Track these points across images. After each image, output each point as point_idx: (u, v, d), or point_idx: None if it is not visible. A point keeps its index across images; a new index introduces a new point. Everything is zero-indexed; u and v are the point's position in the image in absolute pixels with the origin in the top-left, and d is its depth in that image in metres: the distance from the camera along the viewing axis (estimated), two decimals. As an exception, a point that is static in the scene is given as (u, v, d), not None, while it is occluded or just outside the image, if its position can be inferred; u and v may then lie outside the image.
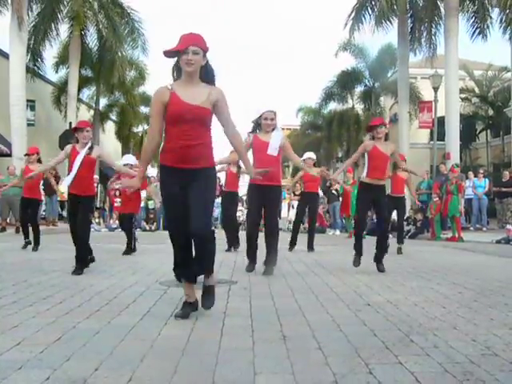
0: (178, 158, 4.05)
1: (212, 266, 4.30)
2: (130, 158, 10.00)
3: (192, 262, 4.24)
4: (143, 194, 14.91)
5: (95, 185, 7.33)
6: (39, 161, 10.30)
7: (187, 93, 4.04)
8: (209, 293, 4.30)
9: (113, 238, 14.06)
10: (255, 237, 7.08)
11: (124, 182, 6.07)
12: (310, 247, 10.63)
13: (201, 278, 4.31)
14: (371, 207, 7.66)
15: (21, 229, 10.75)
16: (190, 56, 3.93)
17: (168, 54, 4.07)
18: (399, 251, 10.17)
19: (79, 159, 6.94)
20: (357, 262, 7.30)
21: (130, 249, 9.69)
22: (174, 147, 4.05)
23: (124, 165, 9.18)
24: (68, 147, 7.21)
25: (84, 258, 6.99)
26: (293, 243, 10.66)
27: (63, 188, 20.80)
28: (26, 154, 10.76)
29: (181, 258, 4.25)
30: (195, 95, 4.04)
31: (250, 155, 6.82)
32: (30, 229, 10.47)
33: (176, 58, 4.09)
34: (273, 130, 6.92)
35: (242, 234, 9.11)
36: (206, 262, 4.23)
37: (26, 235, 10.50)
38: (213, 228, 4.51)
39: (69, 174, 7.09)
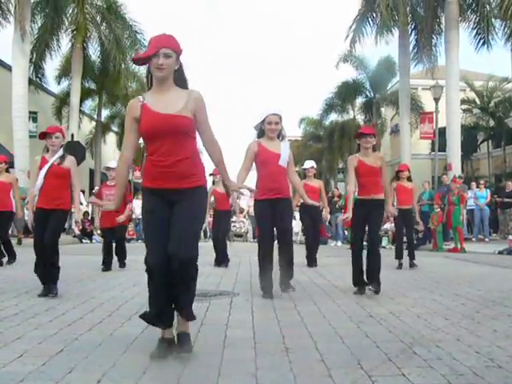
0: (160, 179, 3.49)
1: (191, 305, 3.60)
2: (114, 163, 9.29)
3: (171, 305, 3.53)
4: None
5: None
6: (7, 170, 9.99)
7: (161, 102, 3.50)
8: (184, 341, 3.50)
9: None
10: (271, 258, 6.17)
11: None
12: (313, 261, 10.04)
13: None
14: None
15: None
16: (160, 60, 3.41)
17: (140, 60, 3.65)
18: (412, 266, 9.55)
19: (45, 168, 6.07)
20: (360, 291, 6.39)
21: (123, 262, 9.50)
22: (154, 166, 3.51)
23: (112, 168, 9.16)
24: (37, 158, 6.34)
25: (54, 276, 5.99)
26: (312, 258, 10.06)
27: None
28: None
29: (159, 298, 3.50)
30: (170, 103, 3.49)
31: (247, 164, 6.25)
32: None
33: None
34: (279, 138, 6.22)
35: (245, 246, 9.13)
36: (187, 297, 3.53)
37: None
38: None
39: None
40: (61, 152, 6.20)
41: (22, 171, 18.43)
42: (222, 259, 10.10)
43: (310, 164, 10.35)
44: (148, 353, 3.38)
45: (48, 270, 5.96)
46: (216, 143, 3.76)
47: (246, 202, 18.82)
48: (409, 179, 9.97)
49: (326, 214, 10.04)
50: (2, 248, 10.03)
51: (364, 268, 6.40)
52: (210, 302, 5.47)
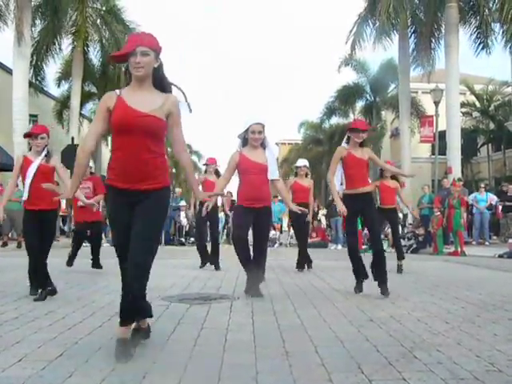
0: (124, 177, 3.50)
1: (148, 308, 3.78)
2: None
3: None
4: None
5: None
6: None
7: (136, 99, 3.49)
8: (141, 330, 3.76)
9: (113, 253, 14.01)
10: (248, 256, 6.32)
11: (53, 187, 4.91)
12: (301, 265, 9.71)
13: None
14: (359, 221, 6.74)
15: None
16: (138, 58, 3.39)
17: (116, 58, 3.69)
18: (399, 269, 9.39)
19: (33, 168, 6.00)
20: (358, 288, 6.57)
21: (98, 263, 9.14)
22: (120, 162, 3.53)
23: None
24: (19, 157, 6.32)
25: (44, 282, 5.98)
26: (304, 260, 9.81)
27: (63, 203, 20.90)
28: None
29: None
30: (146, 102, 3.48)
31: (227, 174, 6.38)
32: None
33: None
34: (263, 146, 6.22)
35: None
36: (139, 298, 3.58)
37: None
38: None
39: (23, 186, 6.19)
40: (45, 152, 6.16)
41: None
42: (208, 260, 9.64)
43: (302, 162, 10.26)
44: (149, 357, 3.38)
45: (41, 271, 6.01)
46: (186, 152, 3.85)
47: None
48: (393, 178, 9.65)
49: (309, 217, 9.87)
50: None
51: (366, 267, 6.52)
52: (210, 306, 5.46)
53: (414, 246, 16.57)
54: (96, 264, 9.14)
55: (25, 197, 6.05)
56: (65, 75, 28.04)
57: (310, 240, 17.03)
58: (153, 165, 3.51)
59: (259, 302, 5.77)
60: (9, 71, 23.81)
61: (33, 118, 25.02)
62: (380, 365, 3.26)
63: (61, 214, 21.09)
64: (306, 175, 10.17)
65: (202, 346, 3.74)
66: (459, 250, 14.62)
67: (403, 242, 16.43)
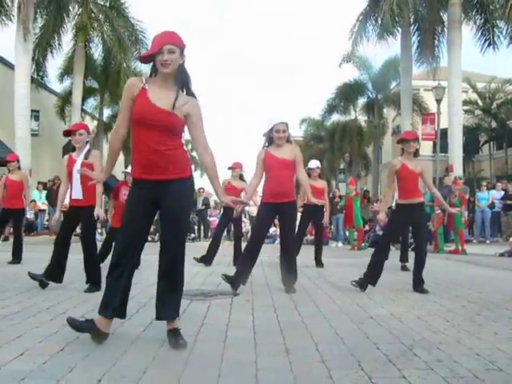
0: (145, 167, 3.65)
1: (179, 306, 3.82)
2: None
3: (120, 295, 3.70)
4: None
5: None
6: (19, 168, 10.12)
7: (159, 95, 3.63)
8: (177, 336, 3.69)
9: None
10: (257, 252, 6.52)
11: (88, 171, 5.04)
12: (319, 262, 9.98)
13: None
14: (404, 231, 7.05)
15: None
16: (165, 56, 3.54)
17: (144, 59, 3.79)
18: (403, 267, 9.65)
19: (77, 167, 6.04)
20: (363, 286, 6.57)
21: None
22: (140, 153, 3.67)
23: (128, 172, 8.94)
24: (65, 158, 6.52)
25: (98, 274, 6.25)
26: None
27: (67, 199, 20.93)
28: (5, 161, 10.13)
29: (113, 285, 3.67)
30: (167, 99, 3.61)
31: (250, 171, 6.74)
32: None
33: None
34: (289, 142, 6.52)
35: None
36: (174, 300, 3.76)
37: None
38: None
39: (70, 185, 6.37)
40: (87, 147, 6.32)
41: (24, 169, 18.42)
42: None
43: (315, 164, 10.18)
44: (149, 352, 3.40)
45: (86, 265, 6.31)
46: (209, 150, 3.86)
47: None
48: None
49: (326, 217, 9.98)
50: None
51: None
52: (210, 303, 5.47)
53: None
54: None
55: (80, 196, 6.22)
56: (67, 70, 28.02)
57: (310, 237, 17.08)
58: (172, 156, 3.64)
59: (259, 299, 5.78)
60: (10, 66, 23.81)
61: (34, 113, 25.02)
62: (380, 362, 3.27)
63: (63, 210, 21.12)
64: (319, 176, 10.18)
65: (203, 343, 3.75)
66: (460, 248, 14.61)
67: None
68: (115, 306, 3.66)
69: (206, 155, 3.84)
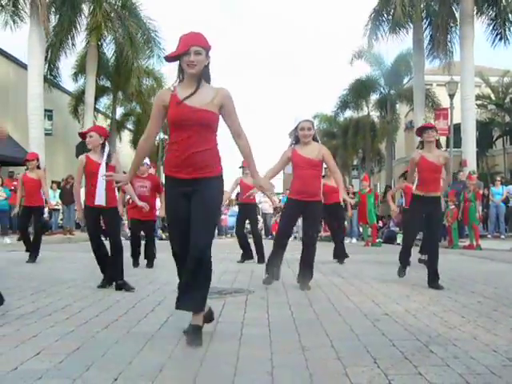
0: (182, 167, 3.77)
1: (205, 300, 3.83)
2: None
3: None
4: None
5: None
6: (38, 167, 10.26)
7: (189, 95, 3.75)
8: (196, 334, 3.69)
9: (127, 247, 14.09)
10: (282, 252, 6.70)
11: (115, 175, 5.16)
12: (341, 258, 10.14)
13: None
14: (423, 221, 7.01)
15: (22, 240, 10.09)
16: (192, 57, 3.66)
17: (169, 58, 3.82)
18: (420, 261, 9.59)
19: (103, 169, 6.18)
20: (402, 272, 7.16)
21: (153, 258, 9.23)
22: (177, 154, 3.78)
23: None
24: (81, 158, 6.54)
25: (121, 271, 6.30)
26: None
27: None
28: (25, 160, 10.29)
29: (185, 281, 3.77)
30: (199, 97, 3.74)
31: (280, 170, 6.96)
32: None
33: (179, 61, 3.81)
34: (316, 141, 6.57)
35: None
36: (199, 292, 3.75)
37: (28, 246, 10.02)
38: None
39: (89, 186, 6.42)
40: (107, 150, 6.44)
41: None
42: (244, 255, 10.23)
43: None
44: (165, 351, 3.40)
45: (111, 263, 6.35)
46: (243, 136, 4.02)
47: (259, 199, 18.79)
48: None
49: (350, 211, 10.29)
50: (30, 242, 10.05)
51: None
52: (225, 300, 5.48)
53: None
54: (151, 263, 9.18)
55: (103, 201, 6.30)
56: (80, 70, 28.11)
57: (323, 234, 17.08)
58: (207, 155, 3.79)
59: (274, 296, 5.78)
60: (23, 66, 23.93)
61: (47, 112, 25.12)
62: (396, 359, 3.25)
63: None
64: None
65: (218, 341, 3.75)
66: (474, 243, 14.54)
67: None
68: None
69: (241, 141, 4.01)
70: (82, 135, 6.70)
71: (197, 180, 3.76)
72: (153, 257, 9.23)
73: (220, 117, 3.86)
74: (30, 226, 10.82)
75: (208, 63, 3.81)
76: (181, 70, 3.81)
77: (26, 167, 10.42)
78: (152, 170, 10.19)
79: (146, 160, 9.24)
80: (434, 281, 6.57)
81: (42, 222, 10.72)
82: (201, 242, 3.69)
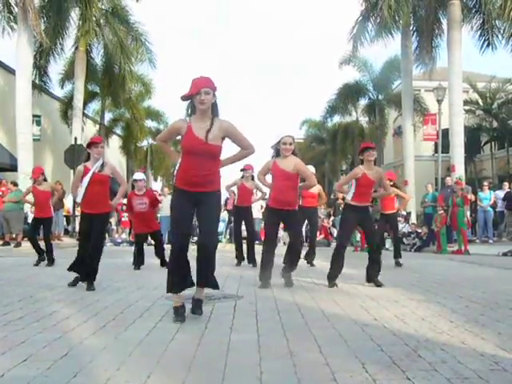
0: (190, 184, 4.69)
1: (212, 278, 4.94)
2: (140, 175, 10.07)
3: (188, 274, 4.85)
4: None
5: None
6: (45, 179, 10.54)
7: (201, 129, 4.66)
8: (199, 307, 4.90)
9: (118, 253, 14.07)
10: (272, 256, 7.19)
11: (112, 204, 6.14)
12: (310, 262, 10.67)
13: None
14: (356, 227, 7.78)
15: (34, 248, 10.42)
16: (202, 96, 4.59)
17: (184, 97, 4.72)
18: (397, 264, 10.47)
19: (88, 177, 6.78)
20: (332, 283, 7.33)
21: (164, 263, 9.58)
22: (187, 174, 4.71)
23: (138, 180, 9.72)
24: (80, 168, 6.98)
25: (94, 274, 6.81)
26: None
27: (69, 203, 20.93)
28: (32, 178, 10.57)
29: (180, 270, 4.77)
30: (208, 132, 4.64)
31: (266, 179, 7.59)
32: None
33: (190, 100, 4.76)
34: (294, 154, 7.14)
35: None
36: (210, 273, 4.89)
37: (40, 253, 10.33)
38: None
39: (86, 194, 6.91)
40: (101, 160, 6.91)
41: (25, 174, 18.45)
42: (238, 258, 10.69)
43: (311, 170, 10.41)
44: (153, 357, 3.39)
45: (88, 269, 6.77)
46: (251, 148, 5.05)
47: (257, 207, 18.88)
48: (393, 185, 10.61)
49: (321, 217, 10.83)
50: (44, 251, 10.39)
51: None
52: (213, 306, 5.47)
53: (418, 244, 16.59)
54: (164, 263, 9.58)
55: (80, 199, 6.99)
56: (68, 75, 27.94)
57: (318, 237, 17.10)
58: (210, 176, 4.76)
59: (263, 302, 5.77)
60: (11, 71, 23.79)
61: (36, 118, 25.01)
62: (384, 364, 3.26)
63: (64, 214, 21.20)
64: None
65: (207, 346, 3.75)
66: (463, 248, 14.61)
67: (406, 241, 16.59)
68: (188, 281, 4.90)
69: (248, 151, 5.05)
70: (89, 145, 6.96)
71: (201, 193, 4.70)
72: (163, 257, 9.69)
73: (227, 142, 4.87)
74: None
75: (215, 101, 4.74)
76: (193, 106, 4.80)
77: (33, 182, 10.58)
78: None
79: (143, 176, 10.07)
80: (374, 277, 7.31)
81: (50, 231, 11.20)
82: (211, 233, 4.82)
